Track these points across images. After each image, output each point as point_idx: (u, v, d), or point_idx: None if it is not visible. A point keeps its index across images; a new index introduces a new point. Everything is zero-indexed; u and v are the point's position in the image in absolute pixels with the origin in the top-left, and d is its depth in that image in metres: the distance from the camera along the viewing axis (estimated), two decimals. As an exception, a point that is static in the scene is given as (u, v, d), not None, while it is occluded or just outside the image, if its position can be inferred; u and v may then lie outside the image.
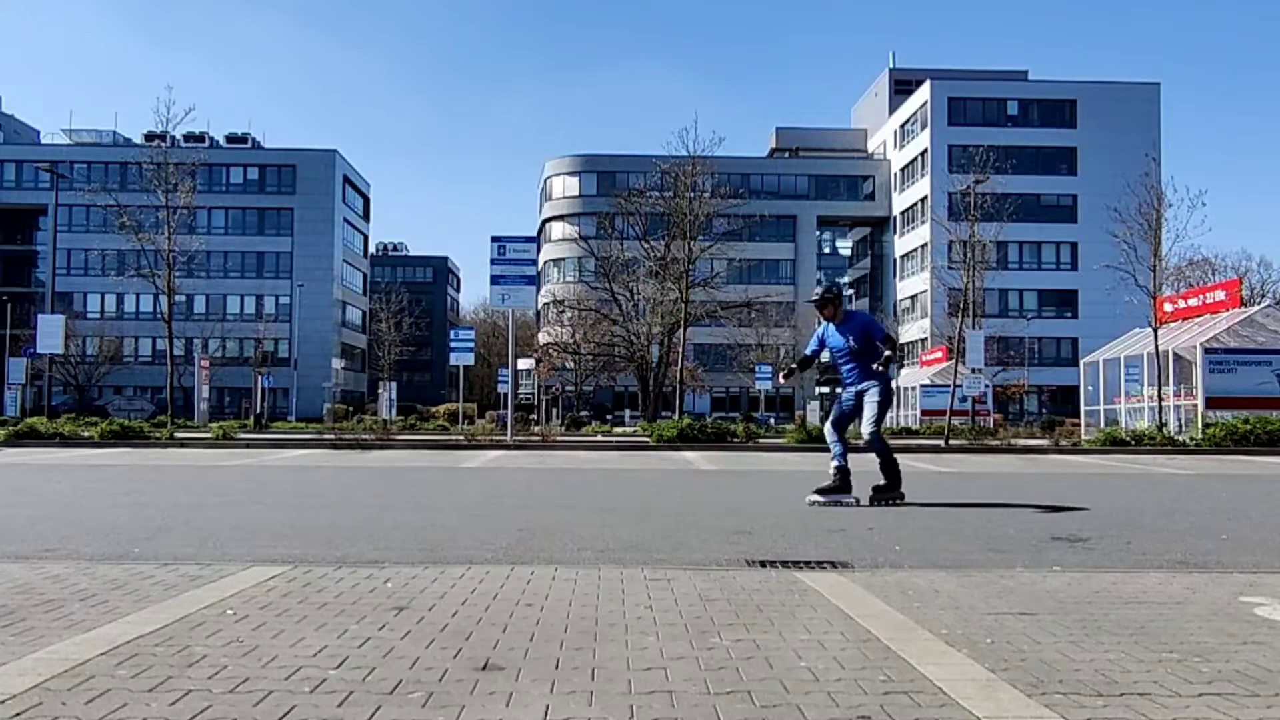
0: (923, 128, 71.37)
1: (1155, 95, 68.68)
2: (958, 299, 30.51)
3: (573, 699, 2.54)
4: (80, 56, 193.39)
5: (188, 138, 61.59)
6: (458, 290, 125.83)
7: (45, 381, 34.58)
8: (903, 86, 78.84)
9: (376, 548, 5.50)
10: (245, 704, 2.47)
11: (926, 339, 64.39)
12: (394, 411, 45.54)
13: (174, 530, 6.36)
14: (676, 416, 27.71)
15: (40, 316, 26.57)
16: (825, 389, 79.64)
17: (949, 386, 27.47)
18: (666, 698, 2.56)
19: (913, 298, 73.08)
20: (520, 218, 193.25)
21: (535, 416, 41.84)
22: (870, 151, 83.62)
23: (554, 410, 52.36)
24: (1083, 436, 26.13)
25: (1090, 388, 30.84)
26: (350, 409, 60.03)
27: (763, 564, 4.94)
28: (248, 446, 20.49)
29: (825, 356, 8.83)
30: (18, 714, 2.38)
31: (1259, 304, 32.75)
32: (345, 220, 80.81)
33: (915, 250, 72.45)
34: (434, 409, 58.90)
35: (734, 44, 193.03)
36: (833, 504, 7.80)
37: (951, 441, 23.40)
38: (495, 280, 21.97)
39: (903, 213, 75.77)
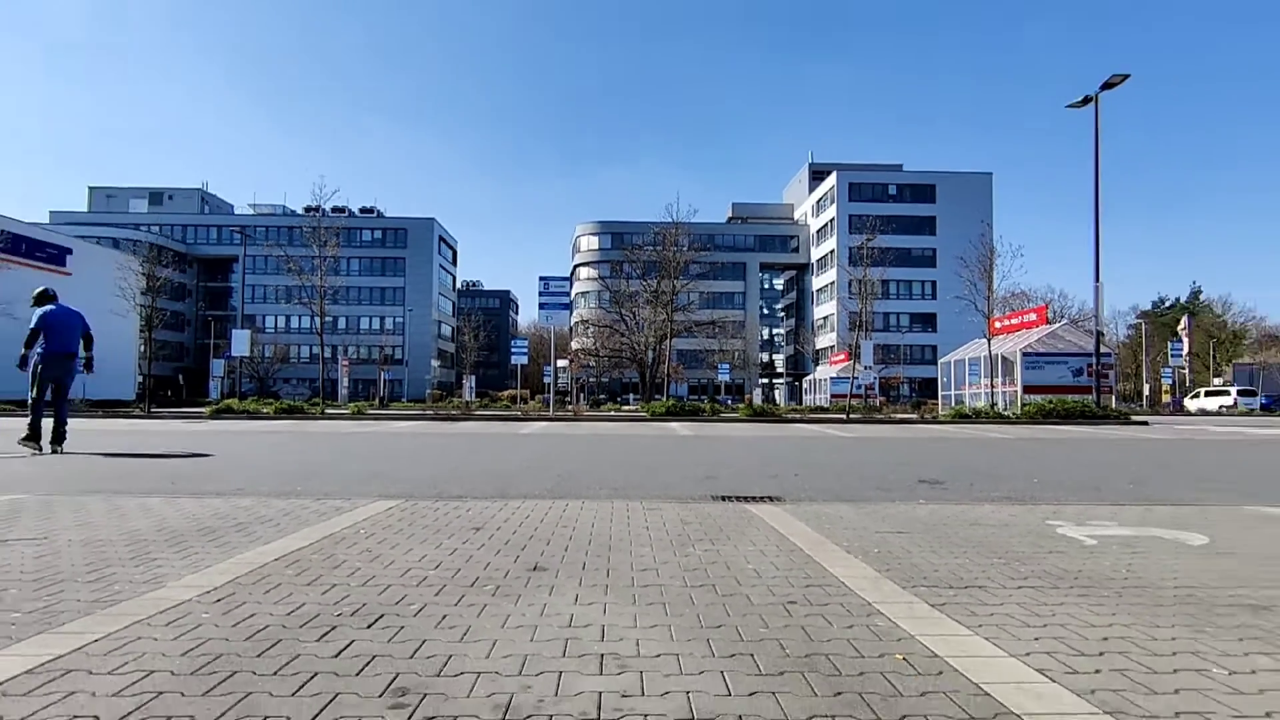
0: (831, 203, 71.36)
1: (989, 181, 68.99)
2: (855, 319, 30.44)
3: (594, 589, 2.54)
4: (262, 154, 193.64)
5: (334, 209, 61.59)
6: (517, 313, 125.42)
7: (236, 375, 34.51)
8: (818, 175, 79.04)
9: (462, 487, 5.49)
10: (372, 593, 2.48)
11: (834, 346, 64.35)
12: (473, 395, 45.39)
13: (324, 475, 6.34)
14: (665, 399, 27.67)
15: (233, 331, 26.48)
16: (764, 379, 79.61)
17: (849, 378, 27.49)
18: (658, 589, 2.56)
19: (825, 318, 73.06)
20: (558, 262, 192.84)
21: (569, 399, 41.70)
22: (796, 219, 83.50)
23: (581, 394, 52.14)
24: (939, 412, 26.10)
25: (945, 379, 30.83)
26: (443, 394, 59.75)
27: (723, 498, 4.93)
28: (374, 419, 20.45)
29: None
30: (219, 599, 2.38)
31: (1059, 322, 32.69)
32: (440, 265, 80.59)
33: (827, 286, 72.38)
34: (500, 394, 58.47)
35: (705, 145, 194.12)
36: None
37: (851, 415, 23.39)
38: (541, 306, 22.09)
39: (818, 260, 75.74)
